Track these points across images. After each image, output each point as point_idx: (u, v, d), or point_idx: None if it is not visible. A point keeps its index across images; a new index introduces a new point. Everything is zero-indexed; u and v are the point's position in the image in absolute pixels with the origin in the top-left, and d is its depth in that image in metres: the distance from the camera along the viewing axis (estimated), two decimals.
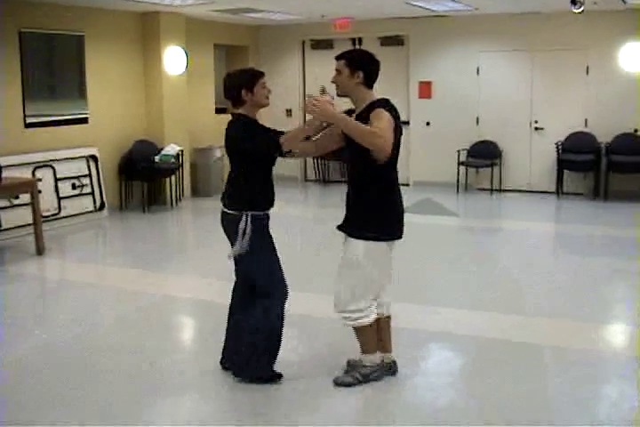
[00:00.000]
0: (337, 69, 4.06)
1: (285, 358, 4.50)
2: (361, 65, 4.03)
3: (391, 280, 4.33)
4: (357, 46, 12.19)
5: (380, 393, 4.19)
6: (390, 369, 4.34)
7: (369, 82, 4.06)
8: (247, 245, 4.06)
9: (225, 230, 4.24)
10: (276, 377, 4.28)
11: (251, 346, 4.19)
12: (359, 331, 4.19)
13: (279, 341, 4.26)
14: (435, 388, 4.26)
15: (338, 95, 4.12)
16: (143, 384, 4.32)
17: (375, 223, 4.03)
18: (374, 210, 4.04)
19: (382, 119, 3.85)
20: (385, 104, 4.01)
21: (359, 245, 4.02)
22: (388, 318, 4.34)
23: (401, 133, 4.11)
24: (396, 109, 4.07)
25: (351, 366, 4.32)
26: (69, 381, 4.37)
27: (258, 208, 4.11)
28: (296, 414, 3.95)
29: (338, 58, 4.10)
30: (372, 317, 4.15)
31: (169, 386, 4.31)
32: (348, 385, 4.20)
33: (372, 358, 4.24)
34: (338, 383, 4.22)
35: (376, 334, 4.25)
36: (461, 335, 5.11)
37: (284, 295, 4.26)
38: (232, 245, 4.16)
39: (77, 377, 4.43)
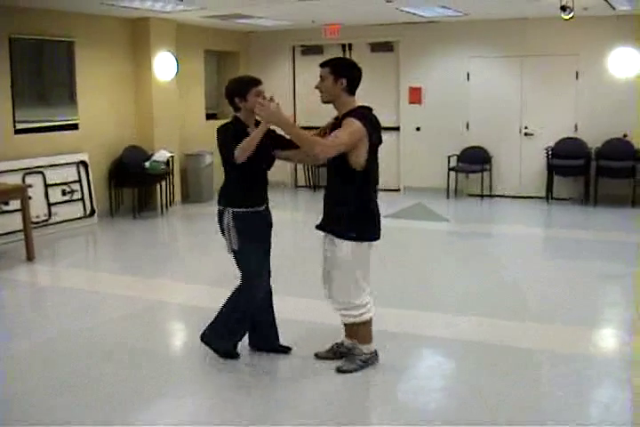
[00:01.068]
0: (321, 76, 4.24)
1: (277, 359, 4.59)
2: (344, 72, 4.21)
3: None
4: (348, 52, 12.27)
5: (373, 396, 4.21)
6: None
7: (351, 89, 4.26)
8: (236, 239, 4.33)
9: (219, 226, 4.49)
10: (232, 355, 4.63)
11: (222, 318, 4.59)
12: (361, 325, 4.42)
13: (245, 326, 4.63)
14: (427, 392, 4.26)
15: (323, 102, 4.31)
16: (138, 388, 4.30)
17: (357, 225, 4.25)
18: (357, 212, 4.24)
19: (346, 129, 4.07)
20: (361, 114, 4.19)
21: (346, 246, 4.23)
22: None
23: (379, 142, 4.32)
24: (373, 118, 4.28)
25: (349, 355, 4.54)
26: (64, 384, 4.35)
27: (241, 205, 4.35)
28: (288, 414, 3.94)
29: (322, 65, 4.27)
30: (373, 311, 4.42)
31: (163, 389, 4.30)
32: (353, 371, 4.42)
33: (370, 346, 4.50)
34: (343, 371, 4.43)
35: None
36: (453, 340, 5.11)
37: (258, 288, 4.50)
38: (225, 240, 4.43)
39: (71, 381, 4.40)
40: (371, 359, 4.51)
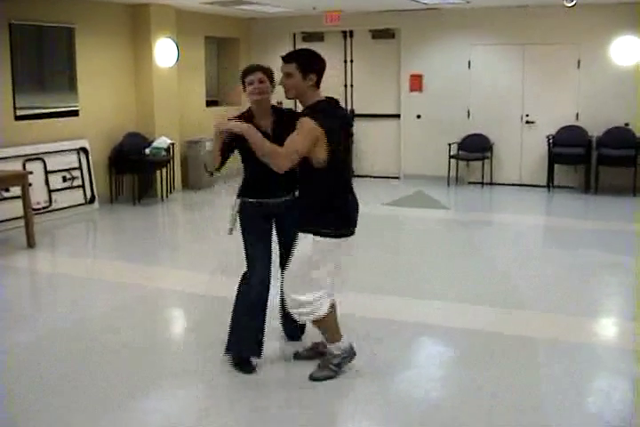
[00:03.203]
0: (286, 73, 3.90)
1: (272, 355, 4.54)
2: (312, 68, 3.92)
3: (342, 278, 4.42)
4: (348, 39, 12.25)
5: (372, 387, 4.19)
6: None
7: (319, 83, 3.98)
8: (234, 225, 4.34)
9: None
10: (247, 365, 4.31)
11: (233, 323, 4.36)
12: (318, 323, 4.16)
13: (259, 321, 4.29)
14: (427, 381, 4.27)
15: (288, 98, 4.03)
16: (135, 377, 4.31)
17: (317, 219, 3.98)
18: (316, 207, 4.00)
19: (301, 132, 3.80)
20: (320, 110, 3.91)
21: (307, 239, 3.98)
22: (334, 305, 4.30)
23: (348, 135, 4.25)
24: (338, 112, 4.09)
25: (322, 360, 4.27)
26: (63, 373, 4.36)
27: (245, 196, 4.32)
28: (288, 408, 3.93)
29: (286, 60, 3.93)
30: (325, 307, 4.10)
31: (160, 378, 4.31)
32: (327, 378, 4.16)
33: (340, 345, 4.20)
34: (315, 379, 4.17)
35: (336, 320, 4.24)
36: (454, 328, 5.11)
37: (259, 278, 4.26)
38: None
39: (71, 369, 4.42)
40: (345, 359, 4.21)
